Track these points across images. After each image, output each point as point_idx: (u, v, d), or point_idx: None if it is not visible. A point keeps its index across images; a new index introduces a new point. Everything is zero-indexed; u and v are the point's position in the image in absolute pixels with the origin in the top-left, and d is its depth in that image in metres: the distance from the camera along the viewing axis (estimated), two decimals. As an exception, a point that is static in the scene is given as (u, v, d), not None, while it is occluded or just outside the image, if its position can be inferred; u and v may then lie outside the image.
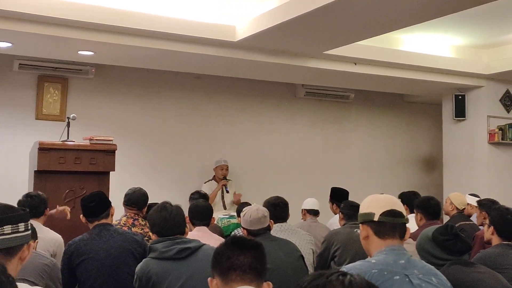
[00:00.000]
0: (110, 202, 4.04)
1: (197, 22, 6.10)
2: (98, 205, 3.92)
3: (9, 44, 6.19)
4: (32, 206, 4.02)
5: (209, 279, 2.21)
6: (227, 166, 7.81)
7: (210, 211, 4.31)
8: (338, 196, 5.90)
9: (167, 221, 3.22)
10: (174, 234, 3.21)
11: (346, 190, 6.05)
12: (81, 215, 3.98)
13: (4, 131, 7.19)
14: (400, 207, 2.52)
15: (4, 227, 1.91)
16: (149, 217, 3.36)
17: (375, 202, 2.53)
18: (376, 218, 2.45)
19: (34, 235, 2.59)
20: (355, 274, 1.15)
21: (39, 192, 4.43)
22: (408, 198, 5.57)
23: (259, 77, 8.13)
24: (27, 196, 4.23)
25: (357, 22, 5.53)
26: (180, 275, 3.05)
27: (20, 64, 7.10)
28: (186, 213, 3.56)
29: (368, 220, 2.47)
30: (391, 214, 2.46)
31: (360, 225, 2.54)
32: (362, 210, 2.55)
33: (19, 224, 1.95)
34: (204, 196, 5.48)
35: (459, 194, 5.94)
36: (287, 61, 6.90)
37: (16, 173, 6.76)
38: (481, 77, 8.31)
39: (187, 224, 4.38)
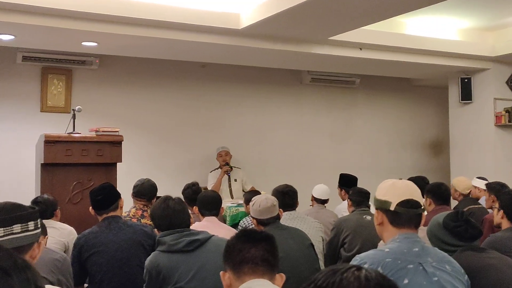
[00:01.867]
0: (118, 194, 4.02)
1: (201, 11, 6.05)
2: (106, 198, 3.90)
3: (12, 37, 6.17)
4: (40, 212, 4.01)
5: (221, 272, 2.21)
6: (225, 151, 7.77)
7: (219, 201, 4.29)
8: (347, 182, 5.91)
9: (171, 218, 3.22)
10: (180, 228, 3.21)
11: (355, 177, 6.05)
12: (90, 208, 3.97)
13: (10, 123, 7.18)
14: (418, 195, 2.47)
15: (13, 226, 1.89)
16: (152, 215, 3.35)
17: (392, 190, 2.47)
18: (392, 208, 2.41)
19: (44, 231, 2.58)
20: (370, 269, 1.13)
21: (46, 196, 4.41)
22: (416, 183, 5.50)
23: (265, 65, 8.09)
24: (33, 202, 4.22)
25: (362, 7, 5.48)
26: (190, 268, 3.04)
27: (23, 56, 7.08)
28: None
29: (384, 207, 2.44)
30: (408, 204, 2.41)
31: (376, 210, 2.51)
32: (379, 195, 2.49)
33: (28, 223, 1.93)
34: (194, 185, 5.31)
35: (461, 179, 5.93)
36: (292, 47, 6.86)
37: (23, 166, 6.77)
38: (487, 60, 8.25)
39: (196, 215, 4.40)
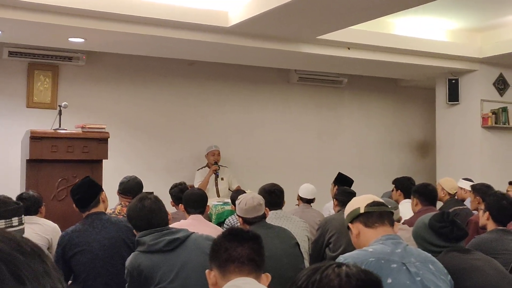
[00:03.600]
0: (98, 188, 3.96)
1: (189, 8, 6.03)
2: (85, 195, 3.85)
3: (-1, 32, 6.12)
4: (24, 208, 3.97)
5: (207, 271, 2.20)
6: (218, 151, 7.78)
7: (205, 199, 4.28)
8: (344, 182, 5.93)
9: (148, 218, 3.16)
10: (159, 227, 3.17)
11: (352, 180, 6.08)
12: (74, 205, 3.95)
13: (-5, 119, 7.13)
14: (381, 200, 2.69)
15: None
16: (128, 216, 3.27)
17: (356, 201, 2.69)
18: (362, 210, 2.57)
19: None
20: (351, 264, 1.13)
21: (31, 192, 4.37)
22: (402, 184, 5.59)
23: (252, 63, 8.08)
24: (18, 198, 4.18)
25: (350, 6, 5.48)
26: (172, 267, 3.01)
27: (9, 51, 7.02)
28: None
29: (355, 215, 2.56)
30: (376, 204, 2.59)
31: (349, 225, 2.60)
32: (348, 211, 2.68)
33: (12, 219, 1.90)
34: (181, 184, 5.30)
35: (449, 179, 5.95)
36: (280, 46, 6.86)
37: (8, 162, 6.72)
38: (475, 61, 8.29)
39: (182, 213, 4.39)
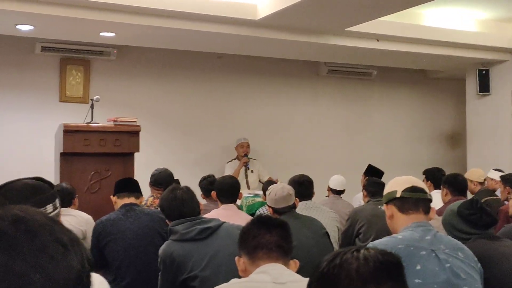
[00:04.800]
0: (141, 193, 4.17)
1: (218, 1, 6.07)
2: (130, 182, 4.08)
3: (31, 27, 6.22)
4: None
5: (236, 258, 2.24)
6: (247, 143, 7.82)
7: (238, 187, 4.32)
8: (374, 173, 5.95)
9: (180, 208, 3.23)
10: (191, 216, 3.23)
11: (382, 171, 6.10)
12: (112, 195, 4.05)
13: (29, 114, 7.26)
14: (421, 184, 2.58)
15: None
16: (161, 206, 3.37)
17: (396, 182, 2.61)
18: (398, 195, 2.50)
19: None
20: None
21: (64, 185, 4.48)
22: (432, 175, 5.57)
23: (281, 56, 8.09)
24: None
25: (379, -2, 5.47)
26: (204, 255, 3.07)
27: (42, 46, 7.14)
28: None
29: (391, 198, 2.52)
30: (413, 189, 2.51)
31: (384, 206, 2.58)
32: (386, 191, 2.61)
33: (46, 206, 1.89)
34: (210, 177, 5.29)
35: (473, 169, 5.95)
36: (309, 39, 6.86)
37: (42, 156, 6.83)
38: (506, 51, 8.18)
39: (213, 203, 4.44)
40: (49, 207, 1.90)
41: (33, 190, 1.91)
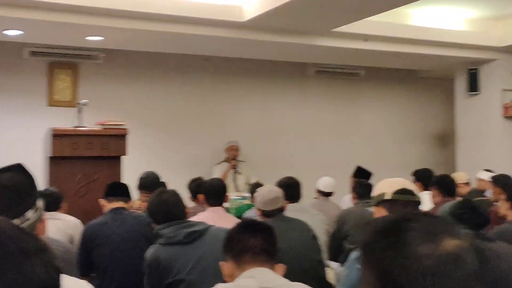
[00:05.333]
0: (130, 196, 4.16)
1: (204, 4, 6.06)
2: (119, 188, 4.06)
3: (20, 32, 6.21)
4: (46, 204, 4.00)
5: (221, 263, 2.23)
6: (237, 146, 7.81)
7: (224, 190, 4.30)
8: (363, 175, 5.95)
9: (167, 211, 3.22)
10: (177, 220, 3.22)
11: (370, 172, 6.10)
12: (100, 199, 4.04)
13: (18, 118, 7.22)
14: (411, 186, 2.57)
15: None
16: (148, 210, 3.36)
17: (386, 184, 2.60)
18: (388, 197, 2.50)
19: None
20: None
21: (52, 189, 4.46)
22: (422, 175, 5.57)
23: (268, 57, 8.09)
24: (40, 195, 4.22)
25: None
26: (190, 259, 3.05)
27: (30, 51, 7.12)
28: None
29: (380, 200, 2.50)
30: (403, 192, 2.50)
31: (374, 208, 2.56)
32: (375, 193, 2.60)
33: (26, 214, 1.80)
34: (199, 179, 5.33)
35: (455, 173, 5.93)
36: (296, 40, 6.85)
37: (31, 159, 6.64)
38: (495, 50, 8.18)
39: (200, 206, 4.43)
40: (29, 213, 1.83)
41: (12, 198, 1.80)
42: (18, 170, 1.88)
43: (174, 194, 3.33)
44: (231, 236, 2.26)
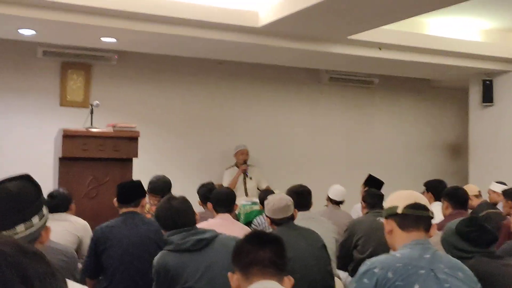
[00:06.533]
0: (144, 193, 4.09)
1: (220, 8, 6.05)
2: (129, 192, 3.97)
3: (33, 32, 6.22)
4: (53, 206, 4.00)
5: (229, 274, 2.20)
6: (247, 150, 7.78)
7: (233, 198, 4.29)
8: (374, 184, 5.90)
9: (176, 218, 3.20)
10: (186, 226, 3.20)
11: (382, 182, 6.05)
12: (114, 199, 4.02)
13: (29, 117, 7.24)
14: (424, 201, 2.51)
15: (16, 227, 1.77)
16: (157, 216, 3.34)
17: (398, 197, 2.53)
18: (399, 211, 2.44)
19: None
20: None
21: (61, 190, 4.46)
22: (433, 186, 5.51)
23: (282, 63, 8.07)
24: (48, 196, 4.23)
25: (382, 6, 5.43)
26: (198, 267, 3.04)
27: (43, 51, 7.12)
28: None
29: (392, 213, 2.45)
30: (415, 206, 2.44)
31: (384, 220, 2.52)
32: (387, 205, 2.54)
33: (32, 219, 1.80)
34: (209, 184, 5.22)
35: (466, 186, 5.85)
36: (311, 46, 6.83)
37: (42, 160, 6.80)
38: (510, 62, 8.12)
39: (210, 212, 4.41)
40: (35, 219, 1.82)
41: (18, 203, 1.80)
42: (25, 179, 1.89)
43: (184, 201, 3.32)
44: (239, 247, 2.22)
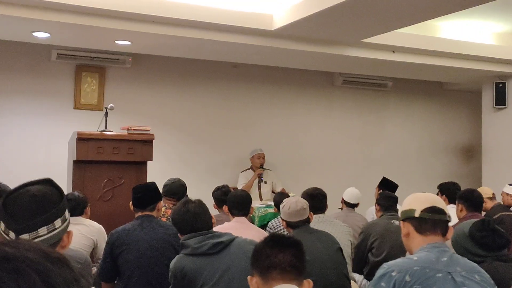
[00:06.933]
0: (160, 197, 4.07)
1: (234, 11, 6.07)
2: (145, 197, 3.95)
3: (47, 35, 6.25)
4: (68, 209, 4.00)
5: (248, 277, 2.21)
6: (263, 154, 7.78)
7: (249, 201, 4.30)
8: (388, 186, 5.90)
9: (192, 222, 3.20)
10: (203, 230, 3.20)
11: (396, 184, 6.05)
12: (130, 203, 4.02)
13: (44, 120, 7.28)
14: (441, 204, 2.50)
15: (38, 230, 1.78)
16: (173, 220, 3.33)
17: (416, 199, 2.51)
18: (417, 214, 2.43)
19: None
20: None
21: (76, 193, 4.45)
22: (447, 189, 5.51)
23: (296, 66, 8.07)
24: None
25: (396, 10, 5.43)
26: (215, 270, 3.03)
27: (58, 54, 7.17)
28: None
29: (409, 216, 2.45)
30: (432, 210, 2.43)
31: (401, 223, 2.52)
32: (404, 207, 2.53)
33: (55, 222, 1.80)
34: (224, 187, 5.27)
35: (480, 188, 5.83)
36: (325, 49, 6.84)
37: (56, 162, 6.85)
38: (523, 64, 8.10)
39: (225, 215, 4.42)
40: (58, 222, 1.83)
41: (41, 206, 1.81)
42: (48, 183, 1.90)
43: (200, 205, 3.31)
44: (259, 250, 2.21)
